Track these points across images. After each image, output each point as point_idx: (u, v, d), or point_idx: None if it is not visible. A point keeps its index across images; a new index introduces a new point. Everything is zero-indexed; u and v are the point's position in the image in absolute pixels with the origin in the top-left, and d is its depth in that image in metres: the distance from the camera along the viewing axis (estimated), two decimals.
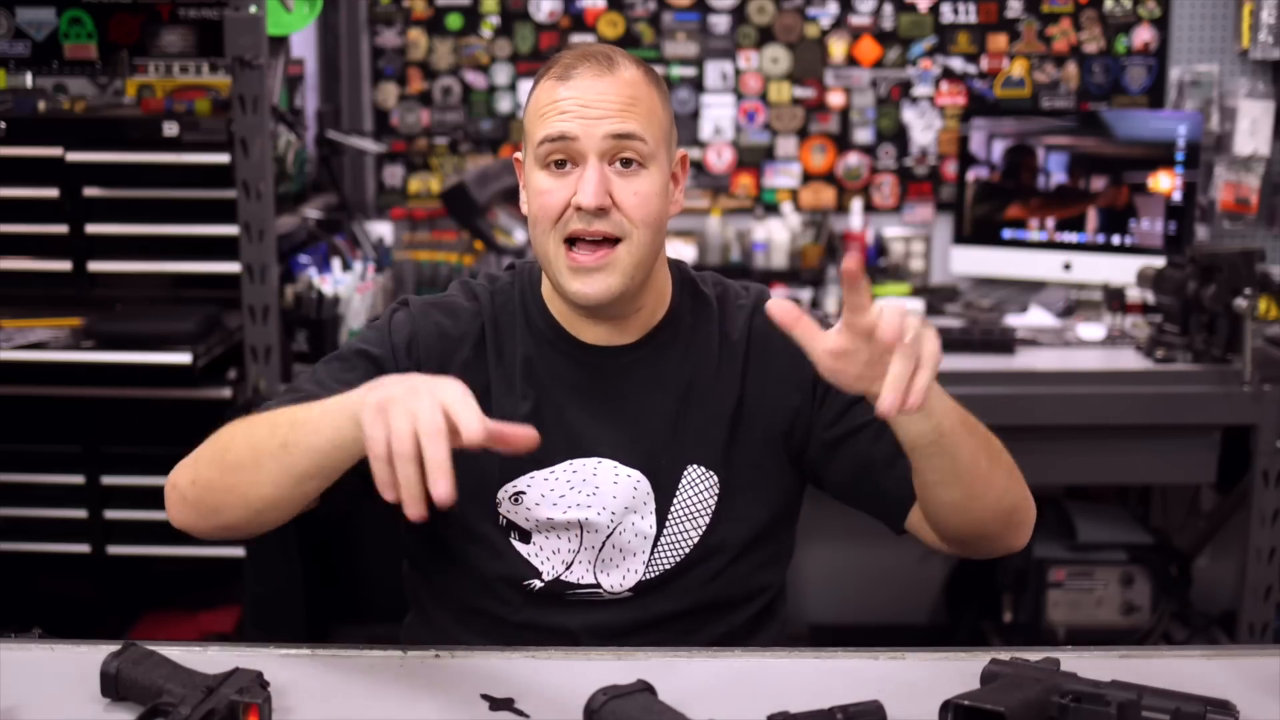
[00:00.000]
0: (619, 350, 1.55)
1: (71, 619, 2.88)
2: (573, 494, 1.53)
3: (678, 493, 1.55)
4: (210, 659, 1.35)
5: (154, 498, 2.87)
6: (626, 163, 1.46)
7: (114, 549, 2.87)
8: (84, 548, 2.87)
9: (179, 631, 2.86)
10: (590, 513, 1.53)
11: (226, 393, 2.79)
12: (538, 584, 1.54)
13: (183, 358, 2.60)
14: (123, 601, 2.98)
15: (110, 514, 2.86)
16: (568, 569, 1.54)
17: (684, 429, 1.55)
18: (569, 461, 1.53)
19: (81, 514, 2.86)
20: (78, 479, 2.85)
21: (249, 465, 1.35)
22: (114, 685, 1.25)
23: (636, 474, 1.54)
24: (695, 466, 1.55)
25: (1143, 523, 3.42)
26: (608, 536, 1.54)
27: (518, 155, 1.57)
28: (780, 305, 1.27)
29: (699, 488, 1.55)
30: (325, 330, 2.89)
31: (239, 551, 2.76)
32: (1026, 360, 3.00)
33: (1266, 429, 2.85)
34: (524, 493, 1.53)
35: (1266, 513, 2.87)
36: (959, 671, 1.34)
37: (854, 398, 1.51)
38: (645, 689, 1.20)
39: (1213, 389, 2.87)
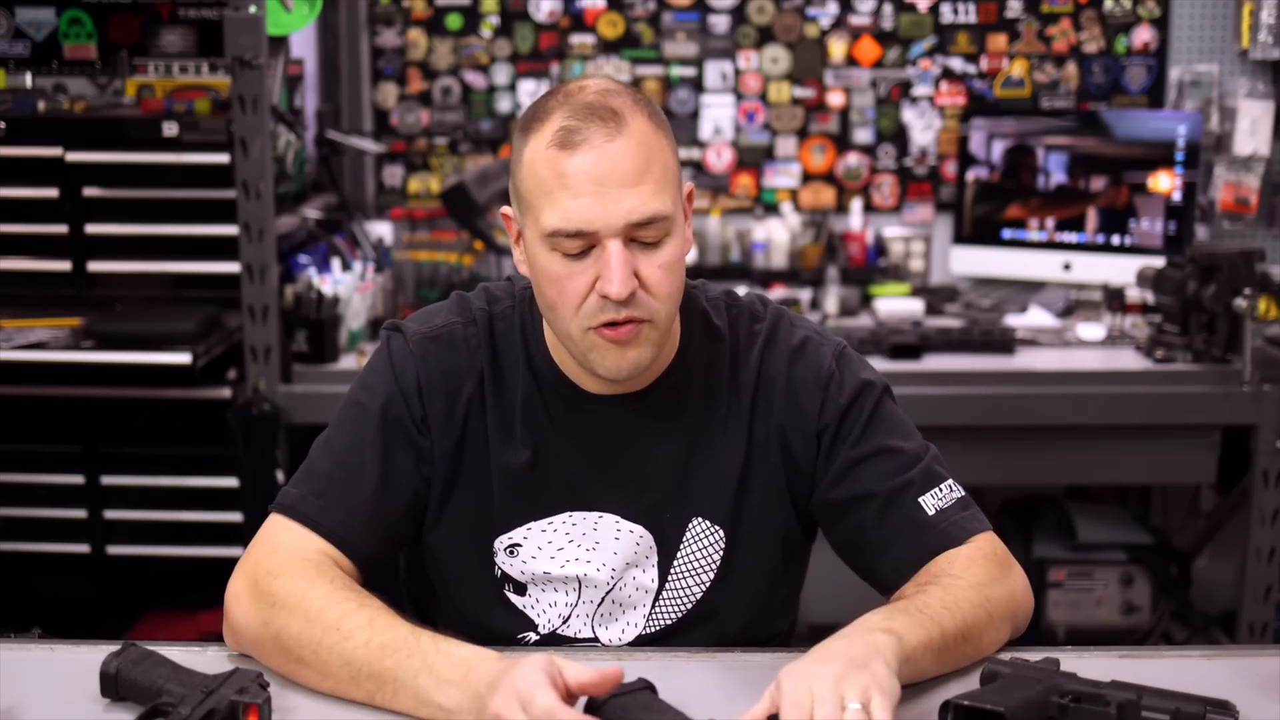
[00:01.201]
0: (624, 399, 1.46)
1: (71, 619, 2.88)
2: (571, 547, 1.47)
3: (681, 547, 1.48)
4: (210, 659, 1.35)
5: (154, 498, 2.90)
6: (648, 236, 1.34)
7: (114, 549, 2.87)
8: (83, 548, 2.87)
9: (179, 631, 2.86)
10: (590, 568, 1.47)
11: (226, 393, 2.79)
12: (533, 637, 1.50)
13: (182, 358, 2.60)
14: (122, 602, 2.98)
15: (110, 514, 2.87)
16: (565, 623, 1.49)
17: (690, 482, 1.47)
18: (569, 514, 1.47)
19: (81, 514, 2.86)
20: (77, 479, 2.85)
21: (325, 690, 1.27)
22: (114, 685, 1.24)
23: (639, 529, 1.47)
24: (700, 520, 1.48)
25: (1143, 523, 3.42)
26: (607, 592, 1.49)
27: (506, 210, 1.45)
28: None
29: (703, 542, 1.48)
30: (325, 330, 2.88)
31: (239, 551, 2.76)
32: (1026, 360, 3.00)
33: (1266, 429, 2.84)
34: (520, 545, 1.47)
35: (1266, 513, 2.87)
36: (959, 671, 1.34)
37: (858, 457, 1.45)
38: (647, 687, 1.19)
39: (1212, 389, 2.87)
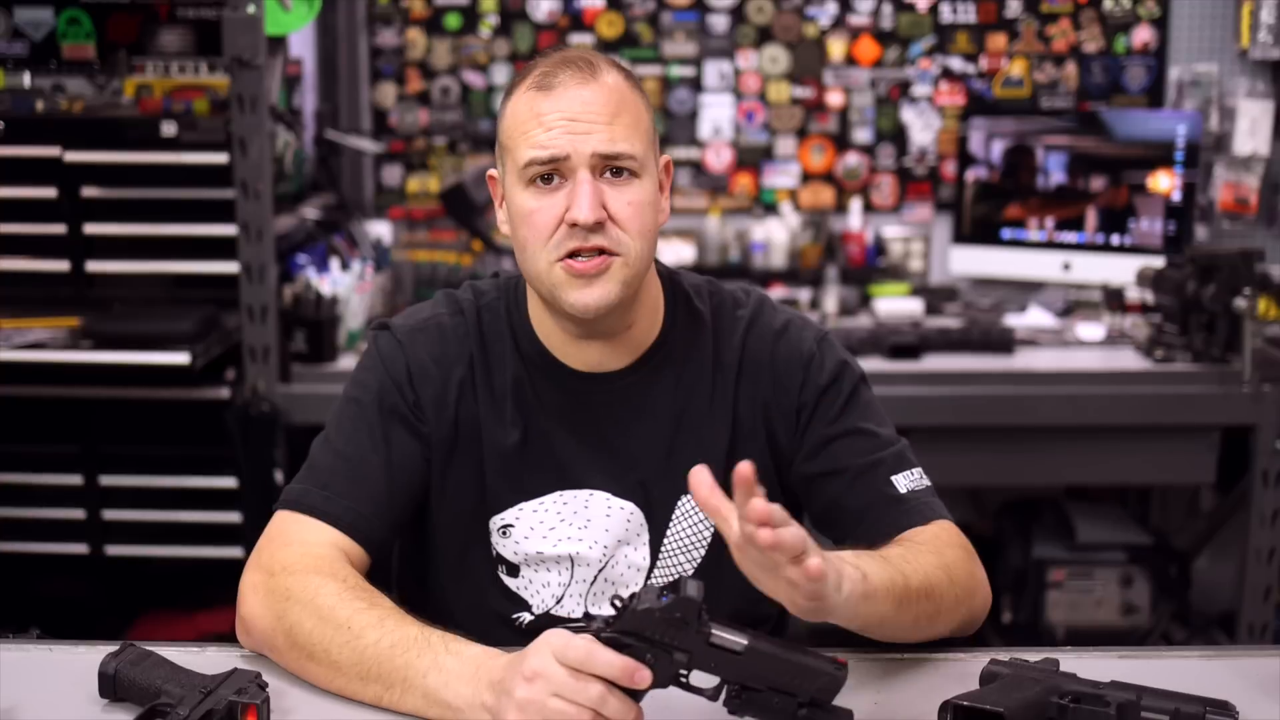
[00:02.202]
0: (609, 376, 1.50)
1: (70, 620, 2.87)
2: (563, 526, 1.49)
3: (671, 524, 1.51)
4: (208, 660, 1.35)
5: (152, 498, 2.90)
6: (618, 172, 1.39)
7: (112, 549, 2.87)
8: (82, 548, 2.87)
9: (177, 632, 2.85)
10: (581, 546, 1.49)
11: (225, 393, 2.79)
12: (527, 618, 1.51)
13: (181, 358, 2.60)
14: (121, 602, 2.98)
15: (108, 514, 2.86)
16: (558, 603, 1.51)
17: (677, 459, 1.48)
18: (559, 493, 1.49)
19: (79, 514, 2.86)
20: (76, 479, 2.85)
21: (334, 688, 1.28)
22: (112, 686, 1.24)
23: (630, 506, 1.50)
24: (689, 498, 1.50)
25: (1142, 523, 3.42)
26: (600, 570, 1.50)
27: (492, 172, 1.50)
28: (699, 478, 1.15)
29: (693, 519, 1.51)
30: (323, 330, 2.88)
31: (237, 552, 2.76)
32: (1026, 360, 3.00)
33: (1266, 429, 2.84)
34: (512, 525, 1.49)
35: (1266, 513, 2.87)
36: (959, 671, 1.34)
37: (833, 434, 1.50)
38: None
39: (1212, 389, 2.87)
